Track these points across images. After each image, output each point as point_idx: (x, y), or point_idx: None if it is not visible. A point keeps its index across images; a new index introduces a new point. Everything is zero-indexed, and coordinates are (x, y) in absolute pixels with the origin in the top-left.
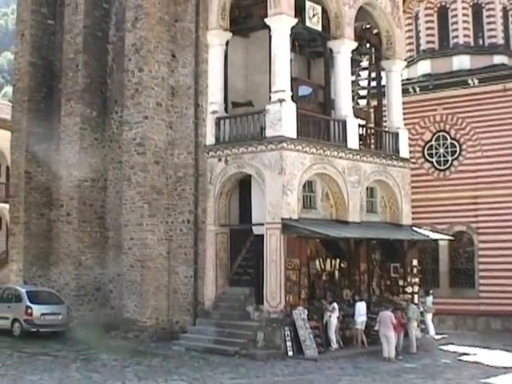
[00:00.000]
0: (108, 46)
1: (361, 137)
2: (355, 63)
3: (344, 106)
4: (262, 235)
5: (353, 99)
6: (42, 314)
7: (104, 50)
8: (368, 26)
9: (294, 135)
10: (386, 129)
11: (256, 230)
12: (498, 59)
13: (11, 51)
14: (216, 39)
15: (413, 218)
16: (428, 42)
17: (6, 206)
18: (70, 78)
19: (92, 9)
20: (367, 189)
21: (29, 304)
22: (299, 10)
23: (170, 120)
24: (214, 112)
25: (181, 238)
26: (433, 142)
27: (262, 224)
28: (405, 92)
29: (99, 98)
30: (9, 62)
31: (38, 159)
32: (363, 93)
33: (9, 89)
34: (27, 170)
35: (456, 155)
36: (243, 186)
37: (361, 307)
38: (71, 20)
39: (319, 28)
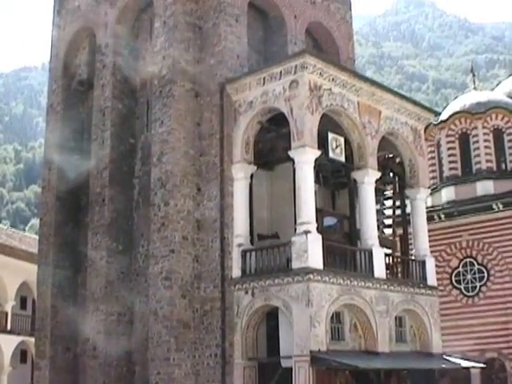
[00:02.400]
0: (134, 180)
1: (387, 266)
2: (379, 192)
3: (370, 235)
4: (291, 368)
5: (378, 228)
6: None
7: (130, 184)
8: (391, 156)
9: (320, 266)
10: (413, 257)
11: (284, 363)
12: None
13: (38, 184)
14: (241, 173)
15: (443, 346)
16: (451, 169)
17: (32, 339)
18: (96, 212)
19: (118, 144)
20: (396, 318)
21: None
22: (322, 142)
23: (196, 253)
24: (239, 245)
25: (208, 372)
26: (460, 269)
27: (291, 357)
28: (430, 219)
29: (125, 232)
30: (36, 195)
31: (65, 293)
32: (388, 222)
33: (35, 222)
34: (53, 304)
35: (484, 281)
36: (270, 318)
37: None
38: (98, 154)
39: (342, 159)
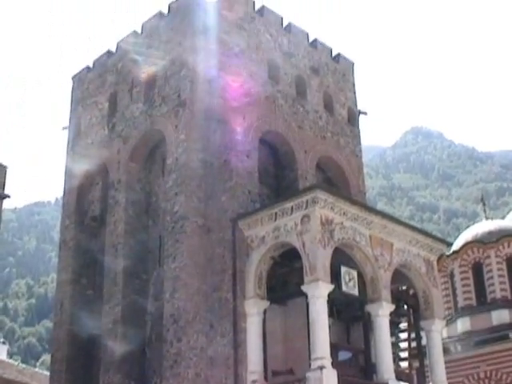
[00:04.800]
0: (146, 316)
1: None
2: (394, 325)
3: (385, 369)
4: None
5: (394, 361)
6: None
7: (142, 320)
8: (404, 288)
9: None
10: None
11: None
12: None
13: (50, 319)
14: (254, 308)
15: None
16: (465, 299)
17: None
18: (108, 348)
19: (130, 279)
20: None
21: None
22: (335, 276)
23: None
24: (253, 381)
25: None
26: None
27: None
28: (446, 351)
29: (138, 369)
30: (47, 331)
31: None
32: (404, 354)
33: (47, 357)
34: None
35: None
36: None
37: None
38: (110, 291)
39: (356, 292)
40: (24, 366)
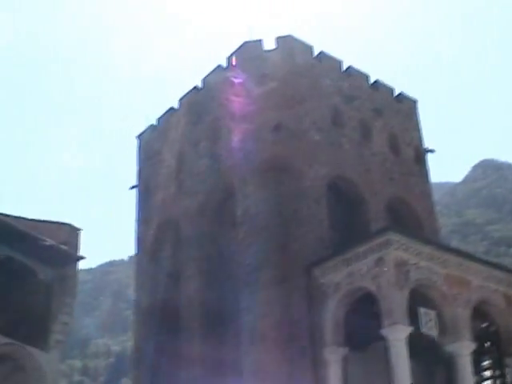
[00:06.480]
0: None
1: None
2: (477, 363)
3: None
4: None
5: None
6: None
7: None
8: (485, 325)
9: None
10: None
11: None
12: None
13: (129, 378)
14: (333, 355)
15: None
16: None
17: None
18: None
19: (208, 335)
20: None
21: None
22: (413, 317)
23: None
24: None
25: None
26: None
27: None
28: None
29: None
30: None
31: None
32: None
33: None
34: None
35: None
36: None
37: None
38: (188, 345)
39: (436, 333)
40: None
